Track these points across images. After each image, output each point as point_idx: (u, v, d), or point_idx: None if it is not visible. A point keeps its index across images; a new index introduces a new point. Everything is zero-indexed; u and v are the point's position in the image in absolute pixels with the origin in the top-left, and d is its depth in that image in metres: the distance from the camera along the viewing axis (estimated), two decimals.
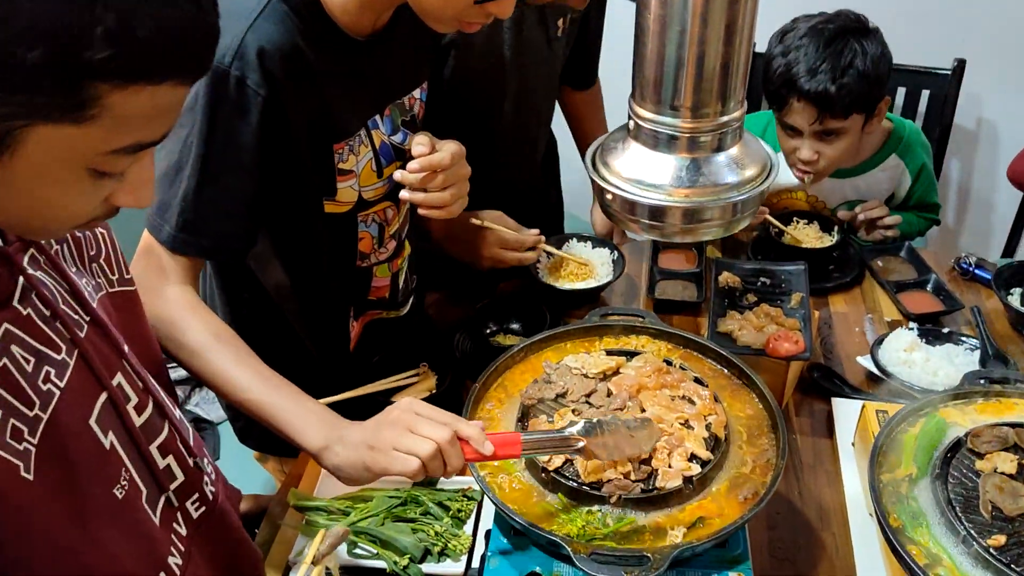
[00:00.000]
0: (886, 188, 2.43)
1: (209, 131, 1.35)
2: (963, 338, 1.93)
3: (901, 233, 2.34)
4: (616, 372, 1.57)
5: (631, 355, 1.62)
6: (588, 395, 1.51)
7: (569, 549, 1.26)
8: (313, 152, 1.49)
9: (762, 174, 1.22)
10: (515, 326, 2.04)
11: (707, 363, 1.64)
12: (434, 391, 1.85)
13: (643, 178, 1.18)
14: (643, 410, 1.46)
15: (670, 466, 1.38)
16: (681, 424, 1.45)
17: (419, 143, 1.58)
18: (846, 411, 1.80)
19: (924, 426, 1.48)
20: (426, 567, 1.53)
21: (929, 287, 2.14)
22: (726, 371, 1.62)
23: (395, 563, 1.52)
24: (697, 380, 1.55)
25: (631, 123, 1.21)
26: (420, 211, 1.65)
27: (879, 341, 1.93)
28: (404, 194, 1.62)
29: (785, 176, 2.30)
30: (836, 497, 1.65)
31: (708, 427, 1.45)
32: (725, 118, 1.16)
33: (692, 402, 1.50)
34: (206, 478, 1.25)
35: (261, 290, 1.71)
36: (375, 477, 1.32)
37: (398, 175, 1.57)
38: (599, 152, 1.29)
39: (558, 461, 1.40)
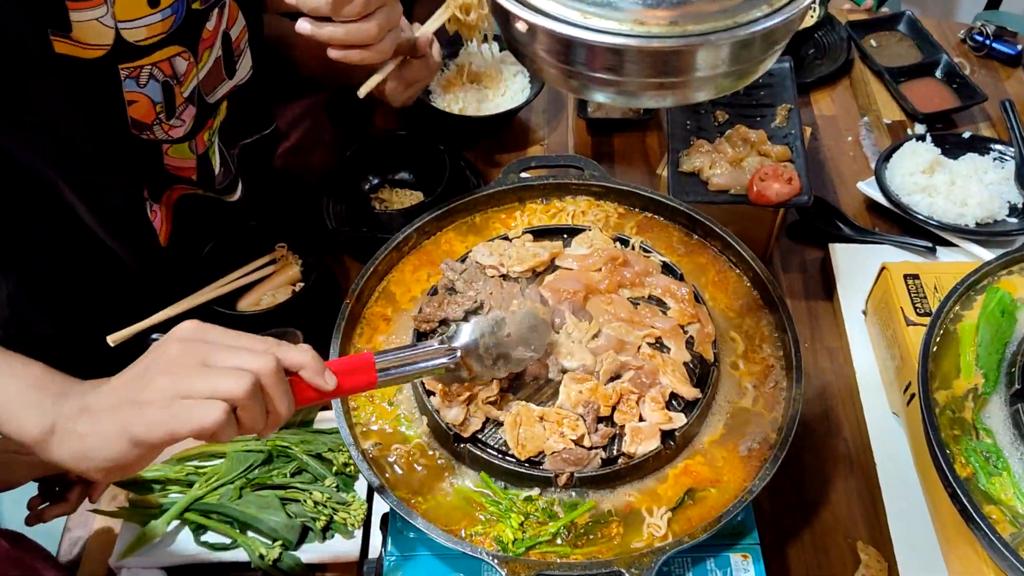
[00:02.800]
0: None
1: None
2: (991, 144, 1.47)
3: None
4: (551, 268, 1.07)
5: (569, 234, 1.12)
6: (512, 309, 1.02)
7: (502, 572, 0.83)
8: None
9: None
10: (404, 175, 1.50)
11: (675, 231, 1.16)
12: (300, 283, 1.34)
13: None
14: (599, 331, 0.99)
15: (641, 419, 0.93)
16: (651, 346, 0.99)
17: None
18: (849, 261, 1.36)
19: (984, 307, 1.05)
20: (306, 553, 1.10)
21: (938, 73, 1.65)
22: (703, 239, 1.14)
23: (260, 556, 1.08)
24: (667, 268, 1.07)
25: None
26: (332, 54, 1.07)
27: (885, 158, 1.46)
28: (303, 26, 1.04)
29: None
30: (845, 386, 1.25)
31: (690, 343, 1.00)
32: None
33: (663, 304, 1.03)
34: None
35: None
36: (150, 453, 0.80)
37: None
38: None
39: (476, 424, 0.93)
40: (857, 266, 1.35)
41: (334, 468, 1.16)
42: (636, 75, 0.63)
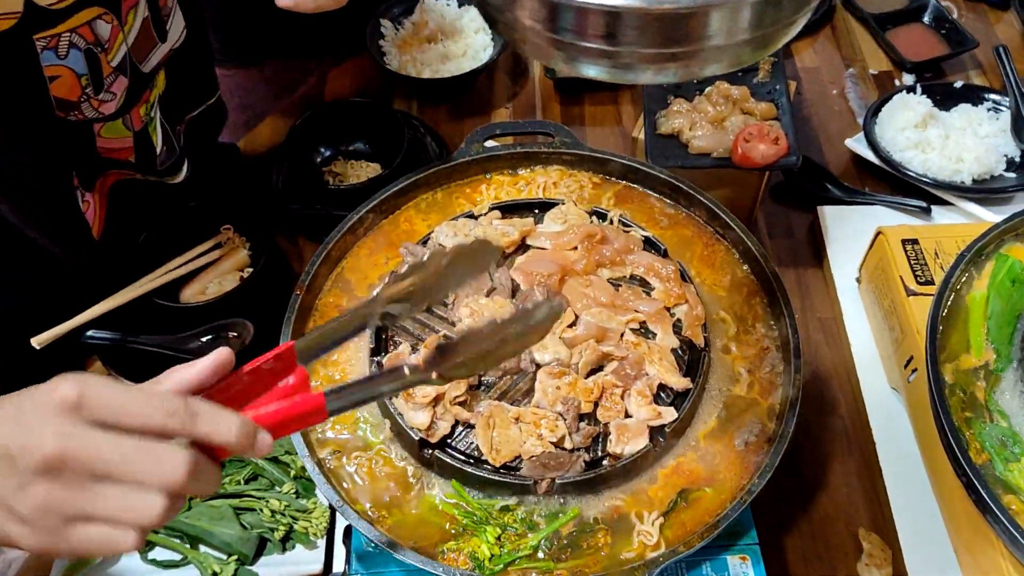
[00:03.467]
0: None
1: None
2: (984, 94, 1.38)
3: None
4: (522, 248, 0.97)
5: (540, 208, 1.02)
6: (480, 294, 0.92)
7: None
8: None
9: None
10: (359, 145, 1.38)
11: (656, 201, 1.06)
12: (249, 268, 1.22)
13: None
14: (576, 318, 0.89)
15: (627, 415, 0.84)
16: (635, 332, 0.89)
17: None
18: (841, 224, 1.27)
19: (994, 276, 0.96)
20: (265, 568, 1.01)
21: (926, 18, 1.55)
22: (687, 210, 1.04)
23: (214, 573, 0.99)
24: (650, 243, 0.98)
25: None
26: (281, 3, 0.95)
27: (873, 111, 1.36)
28: None
29: None
30: (840, 360, 1.17)
31: (677, 327, 0.90)
32: None
33: (647, 285, 0.93)
34: None
35: None
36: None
37: None
38: None
39: (444, 427, 0.84)
40: (848, 230, 1.26)
41: (292, 472, 1.06)
42: (636, 44, 0.52)
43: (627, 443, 0.82)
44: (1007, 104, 1.35)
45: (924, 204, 1.26)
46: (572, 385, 0.84)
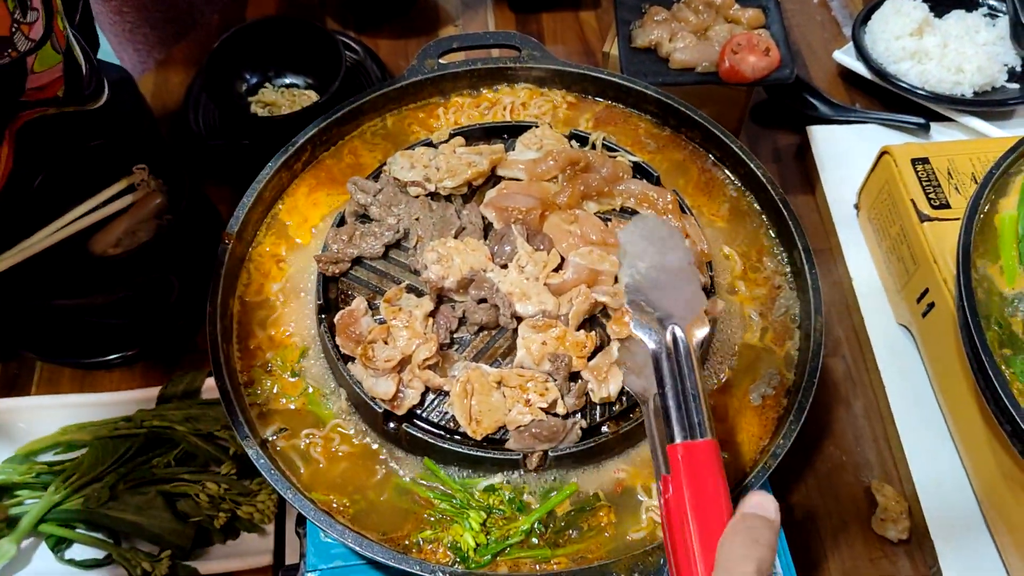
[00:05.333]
0: None
1: None
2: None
3: None
4: (492, 180, 0.82)
5: (510, 133, 0.87)
6: (448, 236, 0.77)
7: None
8: None
9: None
10: (289, 72, 1.20)
11: (642, 122, 0.92)
12: (168, 216, 1.05)
13: None
14: (562, 261, 0.75)
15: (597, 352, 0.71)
16: None
17: None
18: (832, 145, 1.16)
19: (1023, 197, 0.85)
20: (206, 561, 0.87)
21: None
22: (677, 131, 0.91)
23: (144, 571, 0.84)
24: (640, 170, 0.84)
25: None
26: None
27: (862, 20, 1.24)
28: None
29: None
30: (839, 296, 1.07)
31: None
32: None
33: None
34: None
35: None
36: None
37: None
38: None
39: (412, 396, 0.70)
40: (841, 151, 1.15)
41: (231, 449, 0.92)
42: None
43: (608, 380, 0.69)
44: (1003, 9, 1.23)
45: (923, 120, 1.15)
46: (560, 339, 0.70)
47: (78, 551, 0.88)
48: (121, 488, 0.90)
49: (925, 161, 0.98)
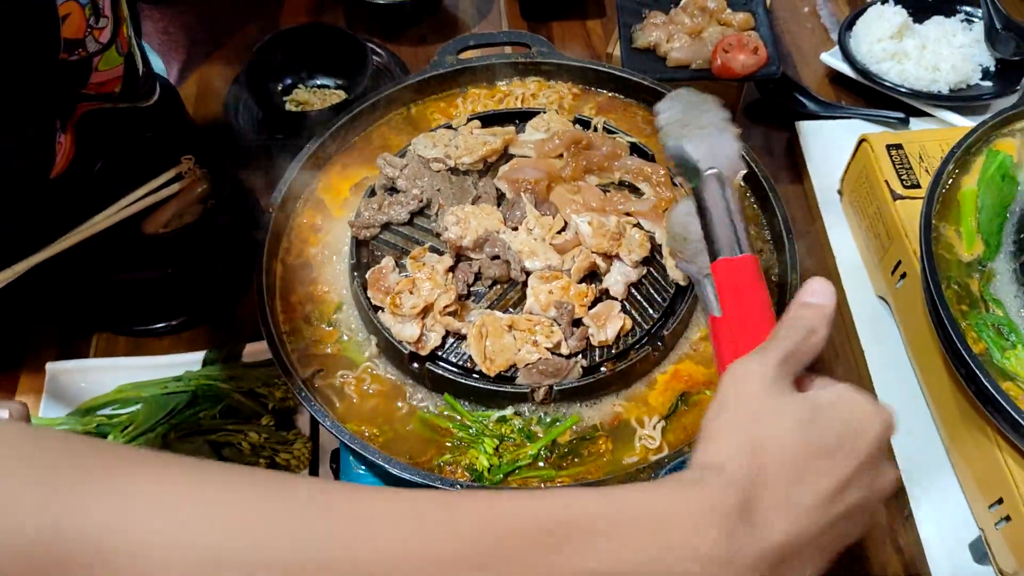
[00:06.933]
0: None
1: None
2: (956, 6, 1.37)
3: None
4: (505, 157, 0.93)
5: (521, 118, 0.98)
6: (466, 204, 0.88)
7: None
8: None
9: None
10: (320, 74, 1.32)
11: (639, 110, 1.03)
12: (211, 202, 1.16)
13: None
14: (565, 224, 0.86)
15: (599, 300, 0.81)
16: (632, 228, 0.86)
17: None
18: (818, 138, 1.26)
19: (984, 171, 0.95)
20: None
21: None
22: None
23: None
24: (637, 149, 0.94)
25: None
26: None
27: (847, 25, 1.34)
28: None
29: None
30: (822, 273, 1.11)
31: None
32: None
33: (637, 191, 0.90)
34: None
35: None
36: None
37: None
38: None
39: (434, 339, 0.81)
40: (827, 144, 1.24)
41: (270, 404, 1.02)
42: None
43: (606, 326, 0.79)
44: (979, 15, 1.34)
45: (902, 115, 1.24)
46: (565, 289, 0.80)
47: None
48: (172, 438, 1.00)
49: (899, 147, 1.08)
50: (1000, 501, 0.86)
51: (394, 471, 0.75)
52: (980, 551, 0.91)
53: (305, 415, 1.02)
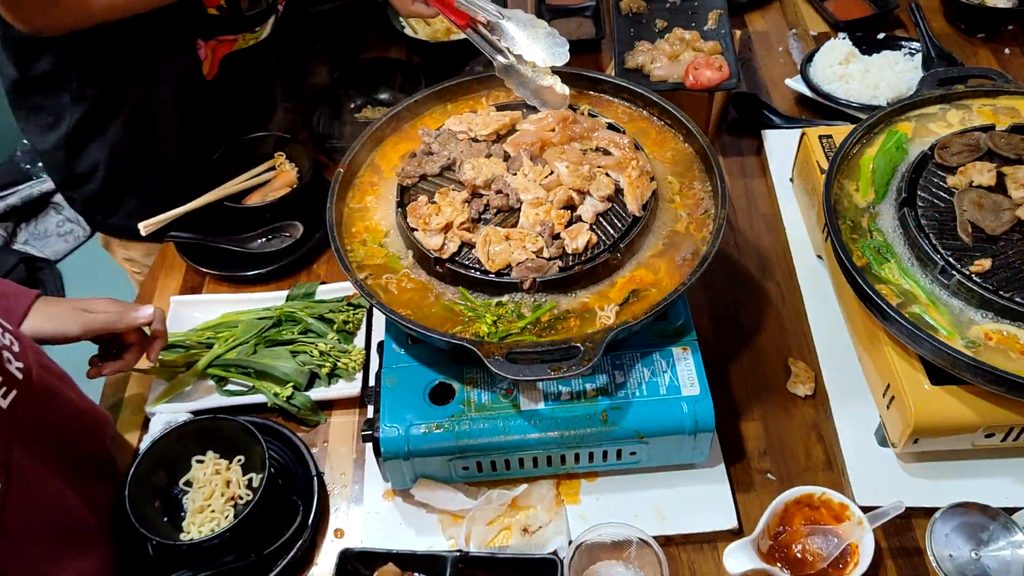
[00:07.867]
0: None
1: None
2: (902, 42, 1.67)
3: None
4: (511, 131, 1.26)
5: (527, 109, 1.31)
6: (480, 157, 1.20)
7: (480, 352, 1.01)
8: None
9: None
10: (384, 96, 1.68)
11: (620, 106, 1.34)
12: (296, 185, 1.52)
13: None
14: (551, 173, 1.17)
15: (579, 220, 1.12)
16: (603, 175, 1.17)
17: None
18: (779, 144, 1.55)
19: (883, 145, 1.24)
20: (315, 393, 1.27)
21: None
22: (644, 111, 1.33)
23: (276, 394, 1.25)
24: (612, 126, 1.26)
25: None
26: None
27: (808, 58, 1.65)
28: None
29: None
30: (778, 242, 1.44)
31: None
32: None
33: (609, 154, 1.21)
34: (6, 354, 0.93)
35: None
36: None
37: None
38: None
39: (452, 247, 1.11)
40: (786, 146, 1.53)
41: (335, 326, 1.33)
42: None
43: (576, 239, 1.09)
44: (919, 48, 1.63)
45: (848, 124, 1.53)
46: (547, 212, 1.11)
47: (232, 387, 1.30)
48: (261, 347, 1.32)
49: (829, 137, 1.37)
50: (888, 387, 1.11)
51: (422, 332, 1.05)
52: (881, 435, 1.16)
53: (361, 334, 1.33)
